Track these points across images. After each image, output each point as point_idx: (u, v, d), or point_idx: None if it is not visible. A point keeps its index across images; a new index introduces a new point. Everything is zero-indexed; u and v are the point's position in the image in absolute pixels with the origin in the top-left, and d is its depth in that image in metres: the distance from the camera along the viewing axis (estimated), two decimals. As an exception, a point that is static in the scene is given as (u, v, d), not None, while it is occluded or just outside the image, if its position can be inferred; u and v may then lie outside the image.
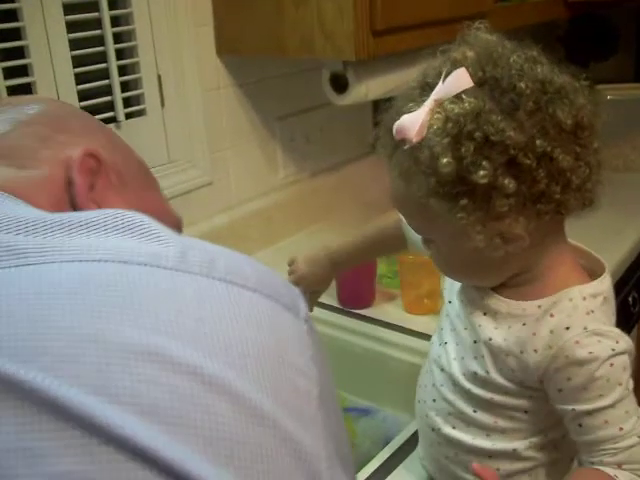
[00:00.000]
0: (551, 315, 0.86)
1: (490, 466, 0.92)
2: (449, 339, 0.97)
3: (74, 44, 1.38)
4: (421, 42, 1.42)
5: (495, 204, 0.78)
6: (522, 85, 0.78)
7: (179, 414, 0.40)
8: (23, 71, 1.31)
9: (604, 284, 0.90)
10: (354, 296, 1.48)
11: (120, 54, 1.48)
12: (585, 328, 0.84)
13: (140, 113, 1.55)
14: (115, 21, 1.46)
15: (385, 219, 1.20)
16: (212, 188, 1.66)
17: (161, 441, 0.39)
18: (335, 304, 1.48)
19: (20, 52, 1.31)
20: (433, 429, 0.97)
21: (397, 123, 0.82)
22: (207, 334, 0.43)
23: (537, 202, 0.80)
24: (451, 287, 0.99)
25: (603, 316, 0.87)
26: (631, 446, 0.84)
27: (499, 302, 0.90)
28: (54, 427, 0.38)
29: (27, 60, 1.31)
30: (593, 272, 0.92)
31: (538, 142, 0.77)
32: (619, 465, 0.84)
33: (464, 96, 0.79)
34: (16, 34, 1.29)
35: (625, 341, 0.85)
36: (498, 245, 0.83)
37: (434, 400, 0.97)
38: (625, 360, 0.85)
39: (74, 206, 0.60)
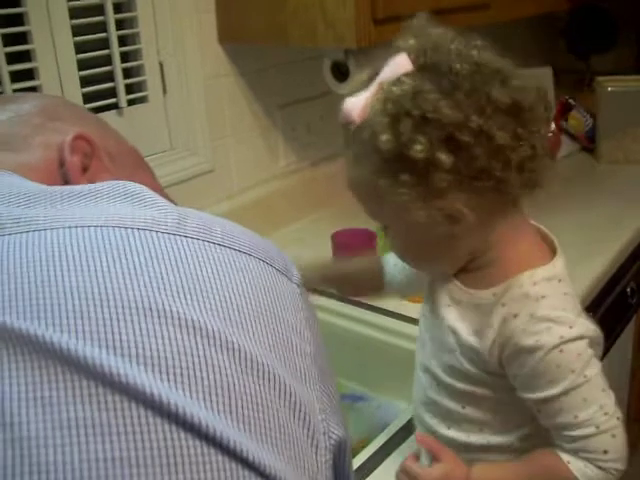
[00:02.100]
0: (502, 304, 0.87)
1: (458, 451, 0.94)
2: (426, 338, 0.97)
3: (77, 30, 1.38)
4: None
5: (434, 179, 0.80)
6: (458, 66, 0.80)
7: (180, 365, 0.42)
8: (26, 57, 1.32)
9: (557, 266, 0.89)
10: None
11: (122, 41, 1.49)
12: (532, 315, 0.85)
13: (142, 100, 1.55)
14: (117, 8, 1.46)
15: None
16: (213, 176, 1.67)
17: (164, 388, 0.41)
18: (334, 291, 1.49)
19: (23, 38, 1.31)
20: (431, 432, 0.98)
21: (343, 106, 0.85)
22: (206, 292, 0.46)
23: (476, 179, 0.81)
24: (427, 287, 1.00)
25: (558, 300, 0.86)
26: (587, 435, 0.85)
27: (461, 292, 0.92)
28: (64, 378, 0.40)
29: (30, 46, 1.31)
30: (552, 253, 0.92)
31: (474, 118, 0.78)
32: (575, 452, 0.86)
33: (403, 78, 0.81)
34: (19, 19, 1.30)
35: (581, 326, 0.85)
36: (442, 223, 0.84)
37: (426, 404, 0.98)
38: (580, 346, 0.84)
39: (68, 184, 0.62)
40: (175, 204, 0.74)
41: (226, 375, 0.43)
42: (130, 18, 1.49)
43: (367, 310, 1.43)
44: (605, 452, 0.85)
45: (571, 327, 0.84)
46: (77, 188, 0.53)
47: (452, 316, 0.92)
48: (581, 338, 0.84)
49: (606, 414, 0.85)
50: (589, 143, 2.35)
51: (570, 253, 1.66)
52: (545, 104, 0.86)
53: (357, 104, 0.84)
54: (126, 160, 0.71)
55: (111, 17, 1.43)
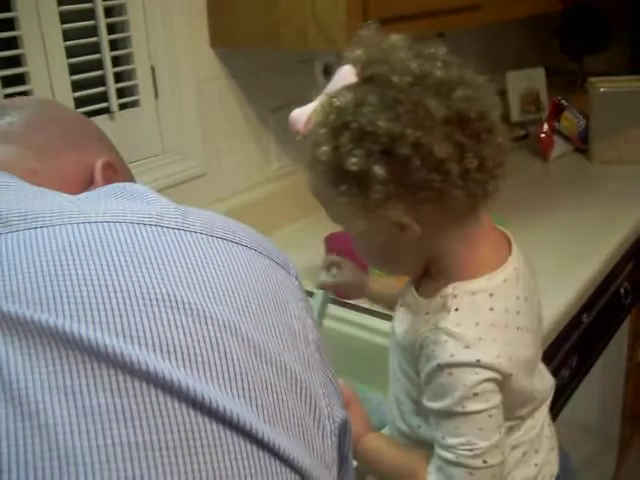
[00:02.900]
0: (426, 312, 0.89)
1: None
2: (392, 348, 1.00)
3: (68, 35, 1.38)
4: (414, 34, 1.42)
5: (371, 191, 0.81)
6: (396, 79, 0.81)
7: (194, 352, 0.44)
8: (17, 61, 1.32)
9: (494, 279, 0.88)
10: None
11: (114, 45, 1.48)
12: (436, 325, 0.86)
13: (134, 104, 1.55)
14: (109, 12, 1.46)
15: None
16: (206, 179, 1.67)
17: (181, 374, 0.43)
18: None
19: (14, 42, 1.31)
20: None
21: (290, 117, 0.88)
22: (213, 283, 0.48)
23: (417, 190, 0.81)
24: None
25: (470, 315, 0.86)
26: (447, 460, 0.87)
27: (411, 296, 0.95)
28: (84, 367, 0.41)
29: (21, 50, 1.31)
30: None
31: (409, 132, 0.78)
32: (439, 468, 0.88)
33: (345, 91, 0.83)
34: (9, 24, 1.30)
35: (481, 351, 0.84)
36: (388, 231, 0.86)
37: (394, 398, 1.01)
38: (469, 378, 0.84)
39: None
40: None
41: (238, 360, 0.45)
42: (121, 22, 1.49)
43: (366, 314, 1.44)
44: None
45: (467, 347, 0.84)
46: (86, 193, 0.57)
47: (397, 317, 0.96)
48: (473, 366, 0.84)
49: (471, 451, 0.85)
50: (582, 144, 2.35)
51: (563, 253, 1.67)
52: (501, 112, 0.86)
53: (302, 115, 0.86)
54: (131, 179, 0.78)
55: (102, 21, 1.43)
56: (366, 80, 0.83)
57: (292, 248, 1.66)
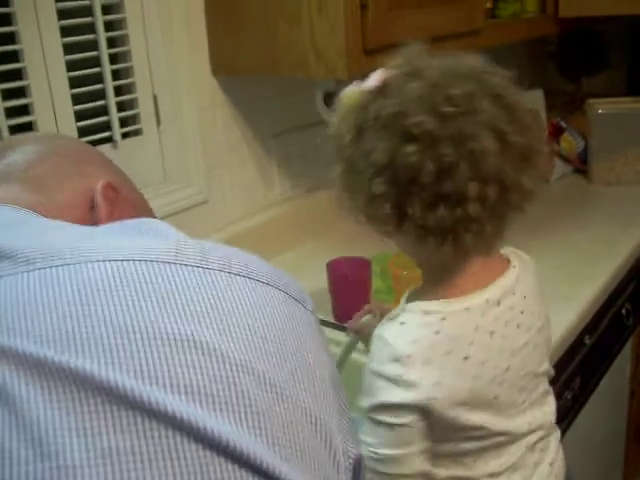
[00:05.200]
0: (390, 318, 0.93)
1: None
2: None
3: (71, 65, 1.40)
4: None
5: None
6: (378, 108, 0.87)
7: (211, 392, 0.45)
8: (21, 93, 1.33)
9: (453, 305, 0.89)
10: (349, 310, 1.48)
11: (116, 75, 1.50)
12: (378, 329, 0.91)
13: (136, 133, 1.56)
14: (111, 42, 1.48)
15: None
16: (208, 206, 1.68)
17: (198, 415, 0.43)
18: (330, 319, 1.49)
19: (18, 74, 1.33)
20: None
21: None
22: (230, 322, 0.49)
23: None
24: None
25: (414, 333, 0.88)
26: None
27: (405, 298, 0.98)
28: (104, 408, 0.42)
29: (25, 82, 1.33)
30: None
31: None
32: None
33: (360, 91, 0.90)
34: (14, 56, 1.31)
35: (405, 370, 0.86)
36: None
37: None
38: (388, 392, 0.87)
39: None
40: None
41: (255, 400, 0.46)
42: (123, 52, 1.50)
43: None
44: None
45: (395, 361, 0.86)
46: (103, 226, 0.59)
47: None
48: (394, 381, 0.86)
49: (375, 454, 0.90)
50: (581, 165, 2.36)
51: (564, 275, 1.67)
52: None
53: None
54: (139, 205, 0.78)
55: (104, 51, 1.44)
56: (383, 89, 0.88)
57: (294, 273, 1.66)
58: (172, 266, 0.50)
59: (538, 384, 0.99)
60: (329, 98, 1.58)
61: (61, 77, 1.38)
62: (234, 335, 0.48)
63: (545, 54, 2.81)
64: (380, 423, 0.88)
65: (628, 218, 1.98)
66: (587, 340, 1.61)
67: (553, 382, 1.07)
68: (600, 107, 2.27)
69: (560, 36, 2.65)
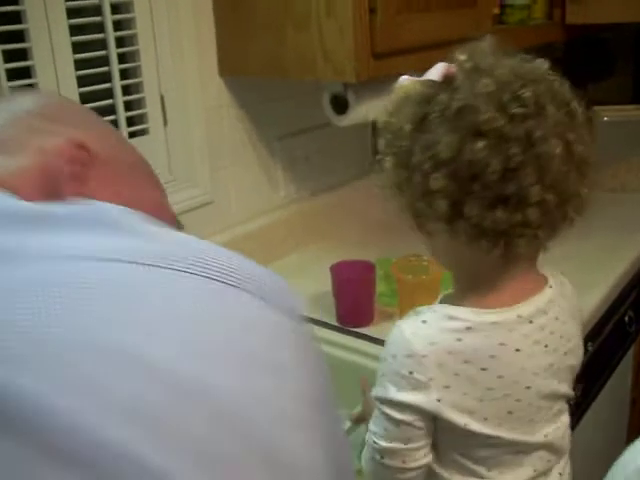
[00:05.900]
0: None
1: None
2: None
3: (79, 64, 1.40)
4: (421, 64, 1.43)
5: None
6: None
7: (159, 423, 0.37)
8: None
9: (481, 317, 0.88)
10: (353, 314, 1.49)
11: (124, 74, 1.50)
12: (400, 321, 0.91)
13: (143, 132, 1.57)
14: (120, 42, 1.48)
15: None
16: (213, 207, 1.68)
17: (148, 448, 0.36)
18: (334, 322, 1.49)
19: (26, 72, 1.33)
20: None
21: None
22: (197, 339, 0.41)
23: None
24: None
25: (434, 335, 0.87)
26: (366, 440, 0.94)
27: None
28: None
29: (33, 80, 1.33)
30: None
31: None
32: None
33: (420, 83, 0.89)
34: (22, 54, 1.32)
35: (418, 369, 0.86)
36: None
37: None
38: (398, 386, 0.87)
39: (60, 196, 0.56)
40: (174, 213, 0.70)
41: (206, 433, 0.38)
42: (132, 52, 1.51)
43: (369, 342, 1.42)
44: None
45: (409, 357, 0.86)
46: (59, 211, 0.48)
47: None
48: (405, 377, 0.87)
49: (375, 443, 0.92)
50: (586, 172, 2.36)
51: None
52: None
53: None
54: (130, 172, 0.65)
55: (113, 51, 1.45)
56: (449, 83, 0.87)
57: (298, 276, 1.67)
58: (127, 265, 0.43)
59: (555, 404, 0.98)
60: (335, 100, 1.59)
61: (69, 75, 1.38)
62: (195, 357, 0.40)
63: (551, 61, 2.80)
64: (385, 415, 0.90)
65: (631, 225, 1.98)
66: (590, 347, 1.61)
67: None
68: (605, 115, 2.27)
69: (567, 43, 2.65)
